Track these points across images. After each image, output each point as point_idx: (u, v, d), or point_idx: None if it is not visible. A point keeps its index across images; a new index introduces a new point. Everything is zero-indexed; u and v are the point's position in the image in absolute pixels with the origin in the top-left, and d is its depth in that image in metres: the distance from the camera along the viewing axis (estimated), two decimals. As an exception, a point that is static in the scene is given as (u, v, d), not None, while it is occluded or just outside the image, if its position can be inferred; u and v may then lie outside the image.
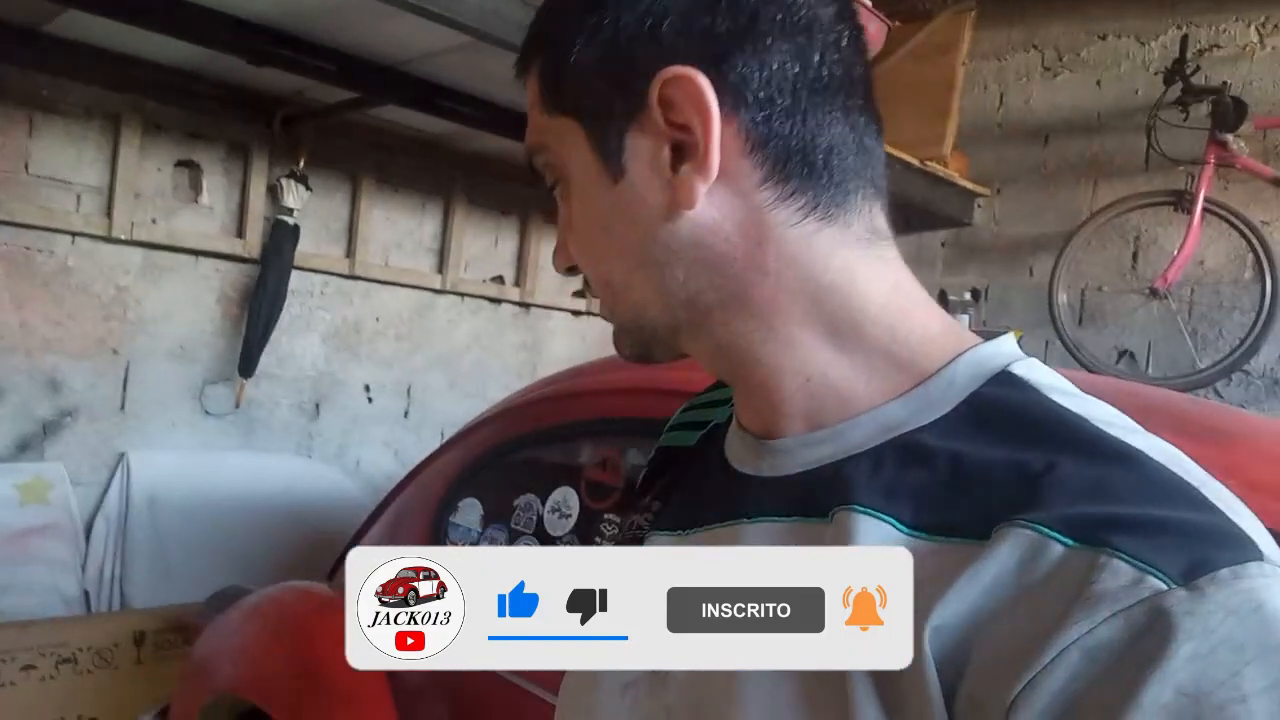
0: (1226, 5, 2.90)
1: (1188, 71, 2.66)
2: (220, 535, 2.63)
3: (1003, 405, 0.48)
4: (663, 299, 0.52)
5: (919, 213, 3.19)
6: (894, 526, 0.45)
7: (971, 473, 0.45)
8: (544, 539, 1.53)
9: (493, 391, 3.43)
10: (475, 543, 1.62)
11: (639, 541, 0.61)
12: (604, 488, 1.48)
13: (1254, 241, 2.59)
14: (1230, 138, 2.59)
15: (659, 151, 0.50)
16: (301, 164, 2.80)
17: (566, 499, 1.52)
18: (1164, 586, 0.38)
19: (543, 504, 1.54)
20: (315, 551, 2.69)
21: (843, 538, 0.46)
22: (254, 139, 2.75)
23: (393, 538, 1.81)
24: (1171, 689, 0.37)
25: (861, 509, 0.46)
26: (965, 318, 3.27)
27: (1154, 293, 2.73)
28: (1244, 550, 0.40)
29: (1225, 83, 2.65)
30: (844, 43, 0.51)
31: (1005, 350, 0.52)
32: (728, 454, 0.57)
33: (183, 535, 2.58)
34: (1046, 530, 0.41)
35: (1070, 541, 0.41)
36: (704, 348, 0.54)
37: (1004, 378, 0.49)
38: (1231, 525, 0.41)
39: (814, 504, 0.49)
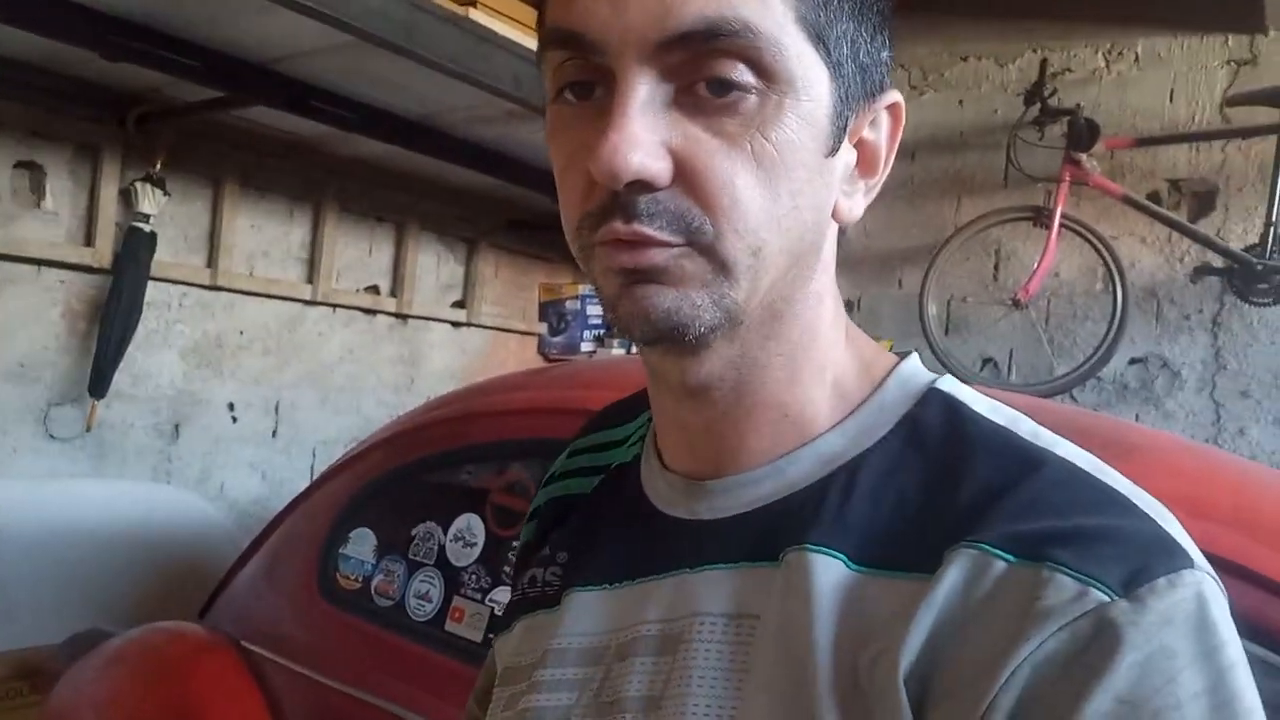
0: (1077, 32, 3.09)
1: (1045, 94, 2.81)
2: (70, 571, 2.41)
3: (933, 425, 0.48)
4: (770, 292, 0.47)
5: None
6: (843, 563, 0.44)
7: (914, 502, 0.45)
8: (446, 570, 1.46)
9: (368, 407, 3.29)
10: (369, 576, 1.53)
11: (551, 600, 0.56)
12: (512, 513, 1.43)
13: (1105, 255, 2.76)
14: (1084, 157, 2.76)
15: (851, 155, 0.49)
16: (158, 166, 2.61)
17: (471, 526, 1.46)
18: (1107, 598, 0.39)
19: (445, 532, 1.48)
20: (180, 587, 2.51)
21: (796, 579, 0.45)
22: (105, 139, 2.55)
23: (273, 572, 1.70)
24: (1111, 697, 0.37)
25: (813, 548, 0.45)
26: (841, 327, 3.37)
27: (1016, 303, 2.87)
28: (1177, 558, 0.41)
29: (1079, 105, 2.82)
30: None
31: (920, 368, 0.52)
32: (651, 499, 0.54)
33: (27, 572, 2.36)
34: (989, 548, 0.41)
35: (1012, 558, 0.41)
36: (728, 352, 0.48)
37: (931, 397, 0.50)
38: (1162, 532, 0.42)
39: (760, 547, 0.47)
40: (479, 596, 1.43)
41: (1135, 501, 0.44)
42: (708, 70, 0.42)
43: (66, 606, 2.36)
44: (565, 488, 0.63)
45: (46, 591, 2.38)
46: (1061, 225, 2.78)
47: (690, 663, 0.46)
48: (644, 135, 0.42)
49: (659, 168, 0.43)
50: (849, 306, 3.36)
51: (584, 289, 4.08)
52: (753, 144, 0.43)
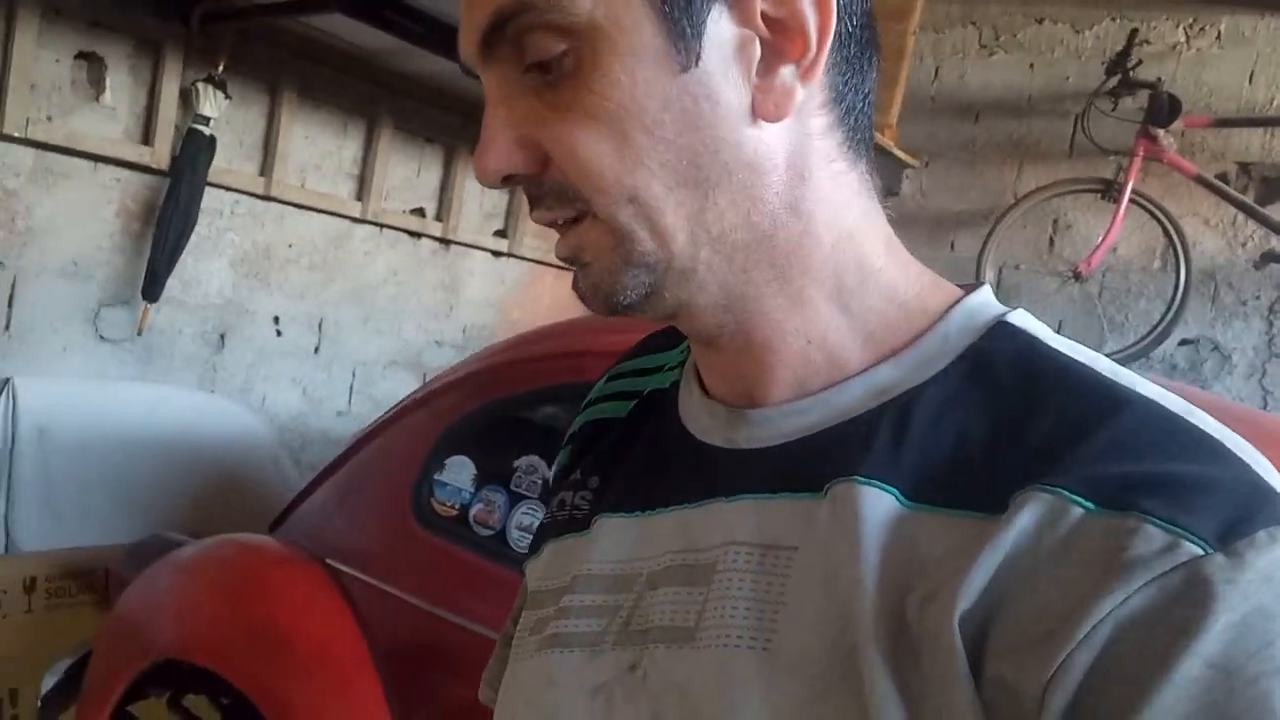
0: (1157, 3, 3.03)
1: (1129, 65, 2.76)
2: (117, 475, 2.39)
3: (1003, 359, 0.45)
4: (694, 230, 0.44)
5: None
6: (895, 498, 0.42)
7: (979, 438, 0.42)
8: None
9: (408, 331, 3.26)
10: (467, 504, 1.52)
11: (580, 524, 0.54)
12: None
13: (1173, 234, 2.74)
14: (1162, 133, 2.72)
15: (748, 45, 0.43)
16: (220, 68, 2.52)
17: (580, 463, 1.44)
18: (1201, 552, 0.36)
19: (550, 467, 1.46)
20: (230, 498, 2.50)
21: (843, 512, 0.42)
22: (167, 36, 2.46)
23: (360, 492, 1.69)
24: (1202, 661, 0.35)
25: (864, 480, 0.42)
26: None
27: (1077, 275, 2.85)
28: (1278, 509, 0.38)
29: (1159, 79, 2.77)
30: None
31: (991, 301, 0.48)
32: (689, 426, 0.52)
33: (75, 473, 2.33)
34: (1067, 493, 0.38)
35: (1094, 505, 0.38)
36: (707, 300, 0.46)
37: (1000, 329, 0.46)
38: (1261, 480, 0.39)
39: (802, 477, 0.45)
40: (589, 533, 1.42)
41: (1230, 447, 0.40)
42: (528, 53, 0.43)
43: (115, 509, 2.35)
44: (600, 411, 0.61)
45: (94, 493, 2.37)
46: (1131, 200, 2.75)
47: (724, 593, 0.44)
48: (498, 134, 0.44)
49: (517, 160, 0.44)
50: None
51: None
52: (585, 102, 0.42)
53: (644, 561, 0.49)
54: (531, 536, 1.49)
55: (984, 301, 0.48)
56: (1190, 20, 3.00)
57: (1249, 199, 2.80)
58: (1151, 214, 2.78)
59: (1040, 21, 3.25)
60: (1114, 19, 3.10)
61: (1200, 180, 2.74)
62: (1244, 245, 2.90)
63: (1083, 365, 0.44)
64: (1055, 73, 3.22)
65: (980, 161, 3.32)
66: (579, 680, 0.49)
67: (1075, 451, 0.40)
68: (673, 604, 0.46)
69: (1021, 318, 0.47)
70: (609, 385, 0.63)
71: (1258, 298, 2.89)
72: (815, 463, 0.45)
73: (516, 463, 1.49)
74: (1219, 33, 2.96)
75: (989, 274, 2.93)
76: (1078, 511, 0.38)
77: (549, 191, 0.45)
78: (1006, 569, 0.38)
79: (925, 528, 0.40)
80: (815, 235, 0.46)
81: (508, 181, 0.46)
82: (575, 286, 0.48)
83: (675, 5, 0.42)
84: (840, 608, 0.41)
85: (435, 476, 1.56)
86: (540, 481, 1.46)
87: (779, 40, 0.43)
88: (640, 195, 0.43)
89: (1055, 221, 3.17)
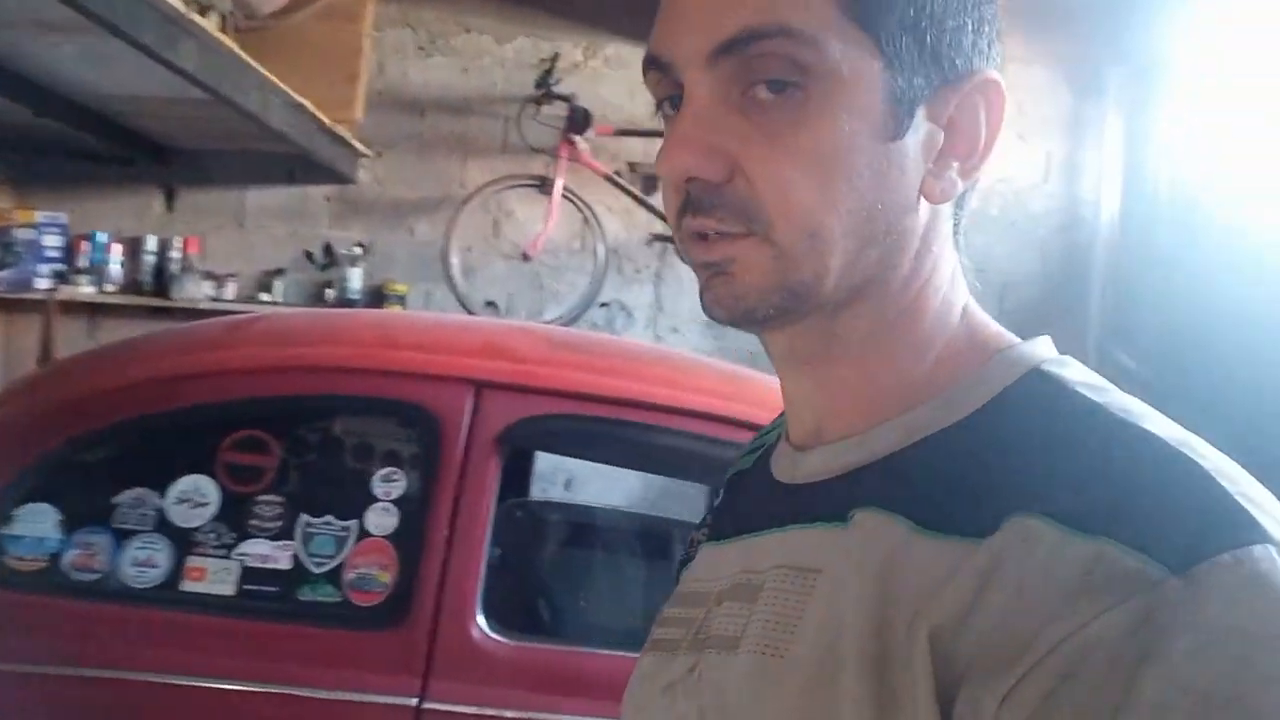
0: (561, 27, 3.66)
1: (552, 81, 3.34)
2: None
3: (1026, 401, 0.48)
4: (847, 272, 0.49)
5: (305, 166, 3.37)
6: (907, 525, 0.45)
7: (984, 468, 0.45)
8: (175, 534, 1.46)
9: None
10: (57, 554, 1.44)
11: (693, 558, 0.64)
12: (251, 469, 1.49)
13: (592, 220, 3.42)
14: (578, 138, 3.36)
15: (935, 136, 0.49)
16: None
17: (199, 487, 1.48)
18: (1159, 576, 0.37)
19: (161, 496, 1.47)
20: None
21: (859, 537, 0.47)
22: None
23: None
24: (1173, 687, 0.35)
25: (878, 509, 0.47)
26: (358, 270, 3.56)
27: (526, 257, 3.39)
28: (1248, 532, 0.38)
29: (574, 94, 3.40)
30: None
31: (1040, 351, 0.51)
32: (773, 468, 0.58)
33: None
34: (1045, 519, 0.40)
35: (1068, 529, 0.39)
36: (816, 334, 0.51)
37: (1033, 375, 0.49)
38: (1238, 507, 0.39)
39: (836, 508, 0.49)
40: (222, 553, 1.46)
41: (1217, 477, 0.41)
42: (757, 73, 0.46)
43: None
44: (740, 465, 0.67)
45: None
46: (562, 194, 3.35)
47: (764, 609, 0.49)
48: (695, 137, 0.47)
49: (708, 165, 0.47)
50: (363, 250, 3.56)
51: (40, 215, 3.55)
52: (800, 136, 0.46)
53: (717, 581, 0.55)
54: (152, 569, 1.49)
55: (1031, 351, 0.51)
56: (586, 44, 3.69)
57: (638, 191, 3.59)
58: (575, 204, 3.42)
59: (469, 31, 3.69)
60: (528, 36, 3.67)
61: (608, 178, 3.45)
62: (637, 227, 3.72)
63: (1088, 399, 0.46)
64: (486, 78, 3.69)
65: (430, 153, 3.67)
66: (657, 679, 0.56)
67: (1061, 479, 0.41)
68: (729, 617, 0.52)
69: (1061, 365, 0.50)
70: (752, 441, 0.68)
71: (649, 267, 3.74)
72: (848, 495, 0.49)
73: (117, 499, 1.46)
74: (606, 57, 3.71)
75: (455, 258, 3.31)
76: (1052, 536, 0.39)
77: (727, 204, 0.47)
78: (982, 590, 0.40)
79: (926, 552, 0.43)
80: (923, 298, 0.51)
81: (688, 182, 0.48)
82: (705, 296, 0.50)
83: (904, 81, 0.47)
84: (839, 621, 0.45)
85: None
86: (154, 513, 1.46)
87: (956, 141, 0.49)
88: (820, 232, 0.47)
89: (497, 209, 3.67)
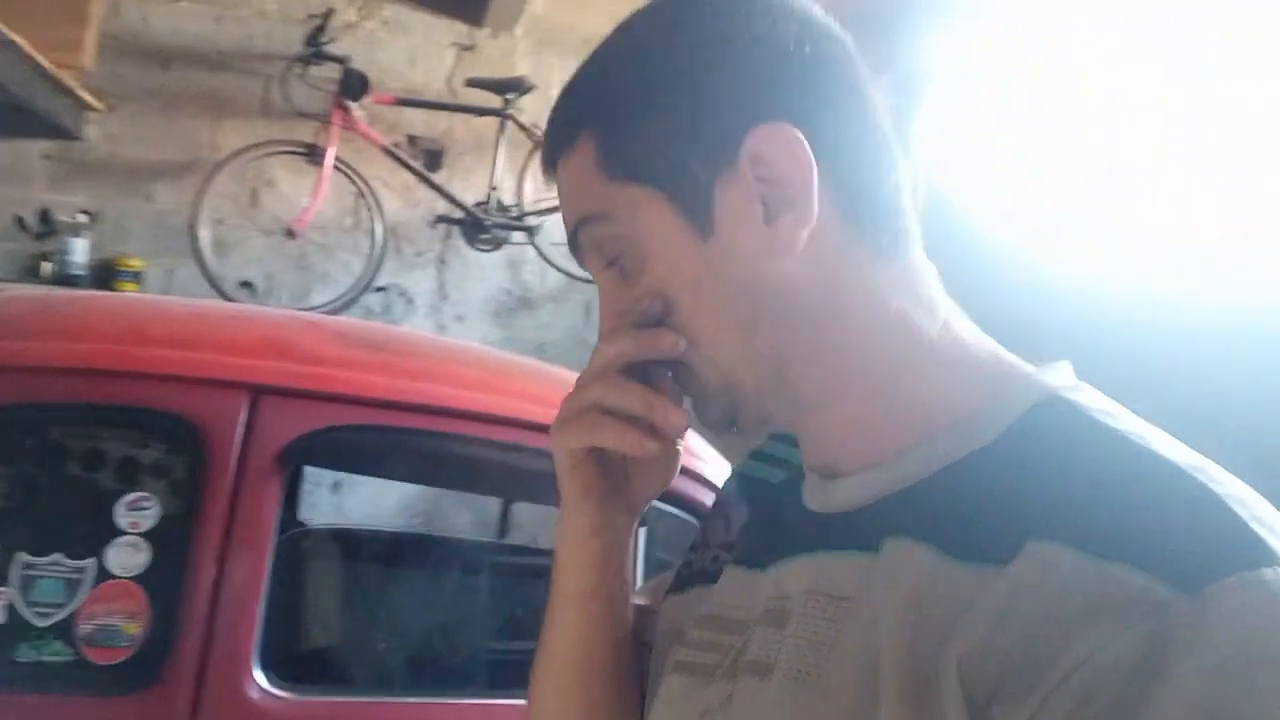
0: (330, -21, 3.31)
1: (323, 40, 2.99)
2: None
3: (1044, 428, 0.48)
4: (749, 358, 0.52)
5: (17, 117, 2.82)
6: (933, 552, 0.46)
7: (1005, 496, 0.46)
8: None
9: None
10: None
11: (714, 577, 0.63)
12: None
13: (368, 196, 3.11)
14: (354, 105, 3.04)
15: (750, 205, 0.51)
16: None
17: None
18: (1171, 597, 0.38)
19: None
20: None
21: (890, 564, 0.47)
22: None
23: None
24: (1182, 705, 0.36)
25: (910, 537, 0.47)
26: (82, 241, 3.04)
27: (291, 234, 3.03)
28: (1259, 555, 0.39)
29: (349, 56, 3.07)
30: (878, 99, 0.55)
31: (1058, 378, 0.52)
32: (804, 494, 0.58)
33: None
34: (1062, 544, 0.41)
35: (1083, 553, 0.41)
36: (781, 403, 0.54)
37: (1053, 402, 0.50)
38: (1249, 530, 0.40)
39: (865, 536, 0.50)
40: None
41: (1229, 502, 0.42)
42: (606, 252, 0.56)
43: None
44: (758, 470, 0.66)
45: None
46: (334, 165, 3.02)
47: (796, 635, 0.50)
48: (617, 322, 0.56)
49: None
50: (89, 218, 3.05)
51: None
52: (645, 285, 0.54)
53: (751, 608, 0.56)
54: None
55: (1050, 377, 0.51)
56: (362, 3, 3.36)
57: (420, 167, 3.32)
58: (349, 177, 3.10)
59: (226, -26, 3.24)
60: (293, -13, 3.28)
61: (386, 150, 3.15)
62: (417, 206, 3.44)
63: (1113, 431, 0.47)
64: (243, 30, 3.27)
65: (175, 111, 3.21)
66: (692, 704, 0.55)
67: (1078, 505, 0.42)
68: (763, 643, 0.52)
69: (1077, 391, 0.50)
70: (771, 444, 0.66)
71: (431, 250, 3.48)
72: (877, 523, 0.50)
73: None
74: (385, 19, 3.40)
75: (204, 232, 2.90)
76: (1069, 560, 0.40)
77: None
78: (1004, 615, 0.41)
79: (953, 578, 0.44)
80: (858, 333, 0.52)
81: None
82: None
83: (684, 199, 0.52)
84: (874, 647, 0.45)
85: None
86: None
87: (774, 193, 0.51)
88: (698, 340, 0.53)
89: (256, 178, 3.27)
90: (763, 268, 0.51)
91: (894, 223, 0.54)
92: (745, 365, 0.53)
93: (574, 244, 0.57)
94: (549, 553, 2.05)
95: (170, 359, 1.30)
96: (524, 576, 2.03)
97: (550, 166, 0.57)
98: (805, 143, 0.50)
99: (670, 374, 0.56)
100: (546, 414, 1.42)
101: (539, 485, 1.39)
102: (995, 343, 0.55)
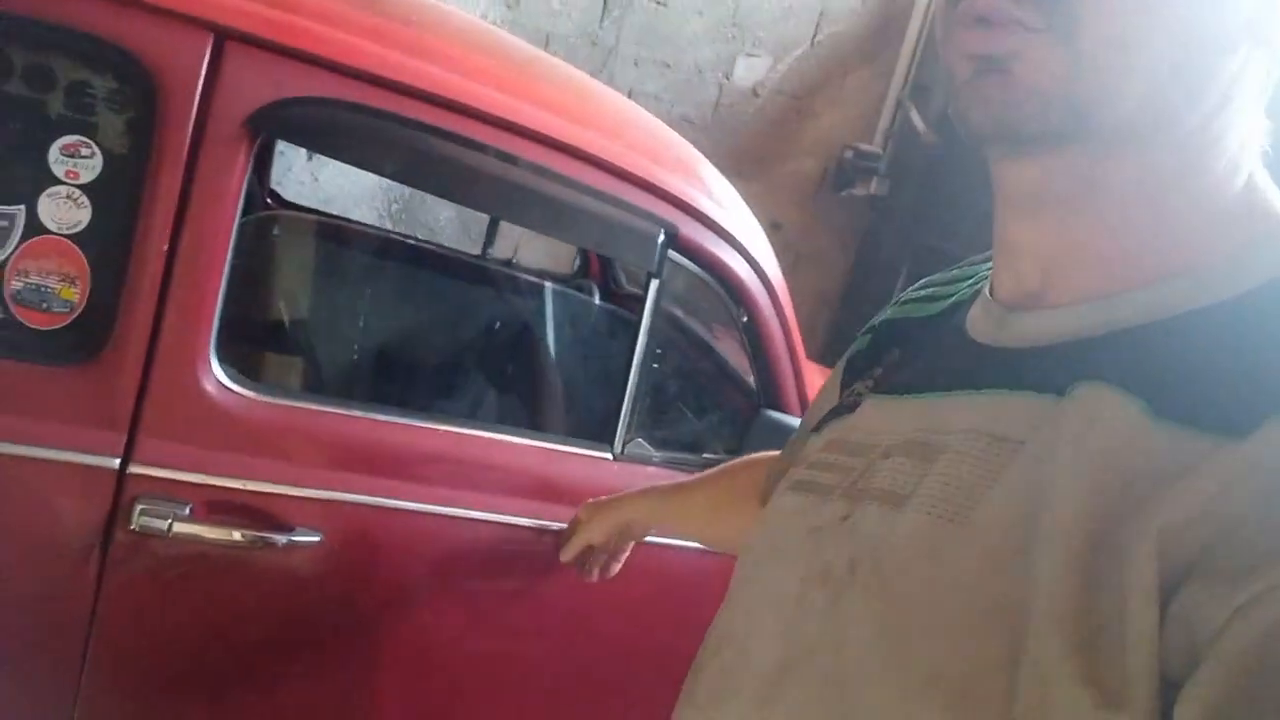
0: None
1: None
2: None
3: None
4: (1146, 103, 0.42)
5: None
6: (1140, 409, 0.41)
7: (1247, 363, 0.41)
8: None
9: None
10: None
11: (852, 408, 0.59)
12: None
13: None
14: None
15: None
16: None
17: None
18: None
19: None
20: None
21: (1079, 414, 0.43)
22: None
23: None
24: None
25: (1113, 387, 0.42)
26: None
27: None
28: None
29: None
30: None
31: None
32: (968, 326, 0.53)
33: None
34: None
35: None
36: (1076, 172, 0.45)
37: None
38: None
39: (1050, 378, 0.45)
40: None
41: None
42: None
43: None
44: (904, 311, 0.63)
45: None
46: None
47: (944, 472, 0.46)
48: None
49: None
50: None
51: None
52: None
53: (887, 435, 0.52)
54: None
55: None
56: None
57: None
58: None
59: None
60: None
61: None
62: None
63: None
64: None
65: None
66: (803, 519, 0.54)
67: None
68: (897, 473, 0.49)
69: None
70: (918, 290, 0.63)
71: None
72: (1070, 365, 0.45)
73: None
74: None
75: None
76: None
77: None
78: (1228, 492, 0.37)
79: (1161, 440, 0.40)
80: (1209, 156, 0.45)
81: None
82: (962, 97, 0.44)
83: None
84: (1039, 501, 0.41)
85: None
86: None
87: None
88: (1133, 45, 0.41)
89: None
90: (1235, 34, 0.43)
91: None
92: (1139, 96, 0.42)
93: None
94: (529, 272, 1.90)
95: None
96: (503, 294, 1.90)
97: None
98: None
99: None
100: (554, 126, 1.25)
101: (529, 205, 1.22)
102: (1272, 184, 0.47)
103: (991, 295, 0.53)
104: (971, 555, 0.43)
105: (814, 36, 3.37)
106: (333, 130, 1.14)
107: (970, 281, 0.59)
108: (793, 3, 3.33)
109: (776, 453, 0.82)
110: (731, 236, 1.37)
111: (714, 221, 1.34)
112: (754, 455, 0.95)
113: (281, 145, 2.35)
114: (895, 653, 0.44)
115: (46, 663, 1.12)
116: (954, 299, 0.59)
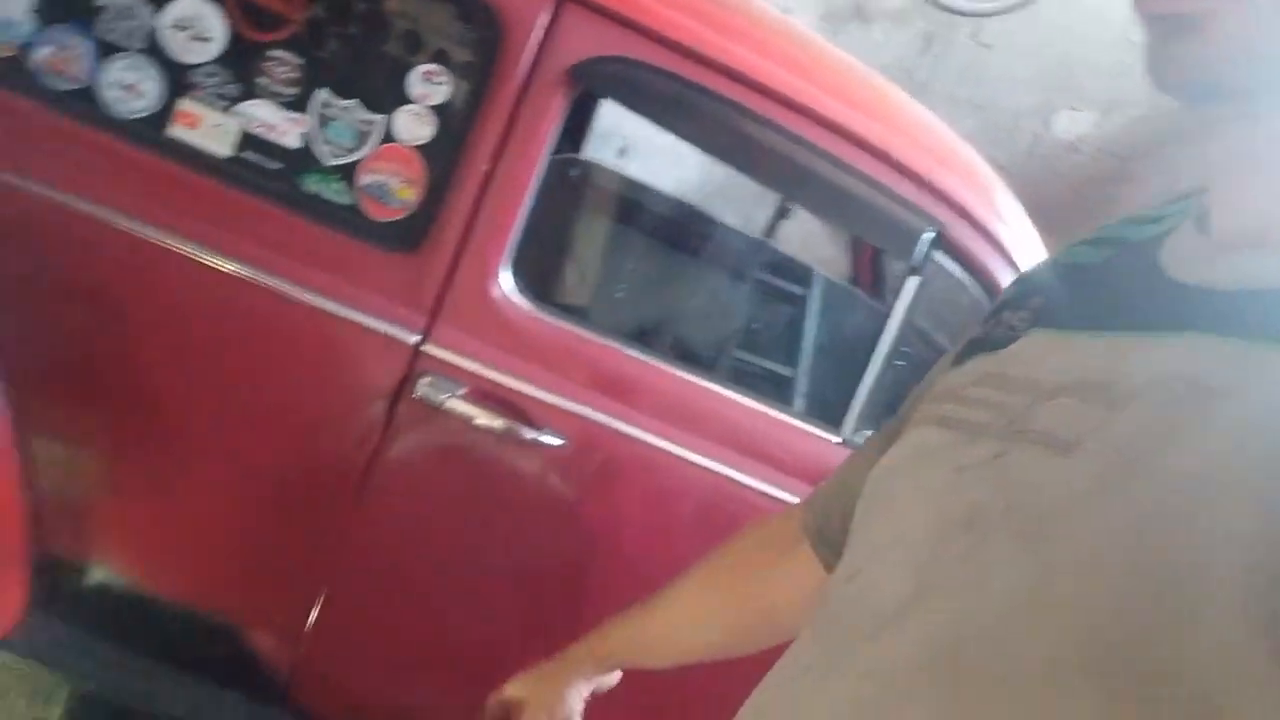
0: None
1: None
2: None
3: None
4: None
5: None
6: None
7: None
8: (167, 66, 1.20)
9: None
10: (26, 46, 1.18)
11: (1005, 341, 0.54)
12: (271, 15, 1.20)
13: None
14: None
15: None
16: None
17: (202, 16, 1.19)
18: None
19: (157, 11, 1.18)
20: None
21: None
22: None
23: None
24: None
25: None
26: None
27: None
28: None
29: None
30: None
31: None
32: (1163, 262, 0.48)
33: None
34: None
35: None
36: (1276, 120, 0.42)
37: None
38: None
39: (1265, 325, 0.41)
40: (222, 104, 1.21)
41: None
42: None
43: None
44: (1071, 255, 0.58)
45: None
46: None
47: (1130, 419, 0.42)
48: None
49: None
50: None
51: None
52: None
53: (1055, 374, 0.47)
54: (138, 99, 1.24)
55: None
56: None
57: None
58: None
59: None
60: None
61: None
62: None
63: None
64: None
65: None
66: (950, 456, 0.49)
67: None
68: (1065, 415, 0.44)
69: None
70: (1096, 233, 0.58)
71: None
72: None
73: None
74: None
75: None
76: None
77: None
78: None
79: None
80: None
81: None
82: (1165, 49, 0.42)
83: None
84: (1238, 459, 0.37)
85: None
86: (145, 30, 1.18)
87: None
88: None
89: None
90: None
91: None
92: None
93: None
94: (804, 268, 1.92)
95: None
96: (772, 272, 1.99)
97: None
98: None
99: None
100: (844, 114, 1.30)
101: (808, 185, 1.28)
102: None
103: (1201, 233, 0.48)
104: (1150, 511, 0.38)
105: (1151, 97, 3.17)
106: (637, 89, 1.27)
107: (1158, 223, 0.54)
108: (1130, 60, 3.15)
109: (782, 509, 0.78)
110: (1004, 248, 1.35)
111: (988, 229, 1.34)
112: (751, 525, 0.83)
113: (597, 143, 2.59)
114: (1044, 610, 0.40)
115: (325, 495, 1.33)
116: (1147, 236, 0.53)
